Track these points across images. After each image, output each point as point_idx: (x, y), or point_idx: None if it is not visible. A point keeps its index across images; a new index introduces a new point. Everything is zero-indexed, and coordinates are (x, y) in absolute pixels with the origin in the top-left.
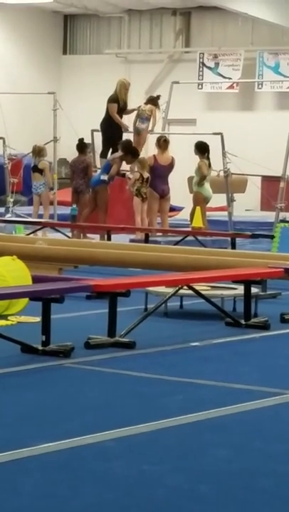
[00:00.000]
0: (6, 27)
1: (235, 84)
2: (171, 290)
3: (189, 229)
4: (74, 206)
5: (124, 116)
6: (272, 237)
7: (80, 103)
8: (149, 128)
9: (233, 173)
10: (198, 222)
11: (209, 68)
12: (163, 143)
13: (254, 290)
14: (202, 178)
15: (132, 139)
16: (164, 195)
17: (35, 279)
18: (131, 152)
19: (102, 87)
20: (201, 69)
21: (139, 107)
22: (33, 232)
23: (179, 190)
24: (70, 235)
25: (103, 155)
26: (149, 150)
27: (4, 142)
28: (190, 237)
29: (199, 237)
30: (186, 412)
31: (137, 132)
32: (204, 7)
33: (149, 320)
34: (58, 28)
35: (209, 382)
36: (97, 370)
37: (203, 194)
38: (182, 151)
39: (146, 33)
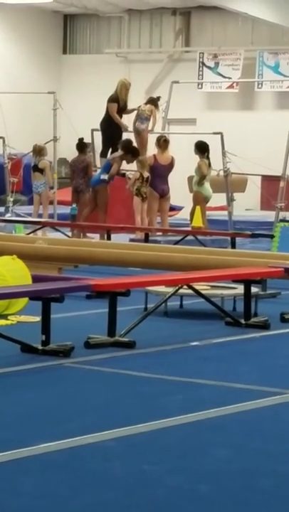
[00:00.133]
0: (6, 27)
1: (235, 84)
2: (171, 290)
3: (189, 228)
4: (74, 206)
5: (124, 116)
6: (272, 236)
7: (80, 103)
8: (149, 128)
9: (233, 173)
10: (198, 222)
11: (209, 68)
12: (163, 143)
13: (254, 289)
14: (202, 178)
15: (132, 139)
16: (163, 194)
17: (35, 279)
18: (131, 151)
19: (102, 86)
20: (200, 68)
21: (139, 106)
22: (33, 232)
23: (178, 190)
24: (70, 234)
25: (103, 154)
26: (149, 150)
27: (4, 142)
28: (190, 237)
29: (199, 237)
30: (186, 412)
31: (137, 132)
32: (204, 7)
33: (148, 319)
34: (57, 27)
35: (209, 381)
36: (97, 370)
37: (203, 194)
38: (182, 150)
39: (146, 32)
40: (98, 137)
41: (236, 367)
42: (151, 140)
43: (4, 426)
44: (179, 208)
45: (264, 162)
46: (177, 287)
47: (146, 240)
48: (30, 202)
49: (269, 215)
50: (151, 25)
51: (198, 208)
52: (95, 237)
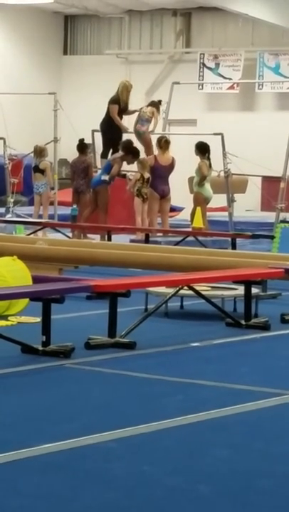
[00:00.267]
0: (7, 27)
1: (235, 85)
2: (171, 290)
3: (190, 229)
4: (74, 206)
5: (124, 118)
6: (272, 237)
7: (81, 103)
8: (150, 128)
9: (233, 174)
10: (198, 223)
11: (210, 69)
12: (164, 143)
13: (254, 290)
14: (202, 179)
15: (133, 140)
16: (164, 195)
17: (36, 280)
18: (131, 152)
19: (102, 87)
20: (201, 69)
21: (141, 108)
22: (33, 233)
23: (179, 191)
24: (70, 235)
25: (104, 155)
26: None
27: (5, 142)
28: (190, 238)
29: (200, 238)
30: (187, 413)
31: (138, 134)
32: (205, 8)
33: (149, 320)
34: (58, 28)
35: (209, 382)
36: (98, 371)
37: (204, 194)
38: (183, 151)
39: (147, 33)
40: (99, 138)
41: (237, 368)
42: (152, 141)
43: (5, 426)
44: (180, 209)
45: (264, 163)
46: (178, 288)
47: (147, 240)
48: (31, 203)
49: (269, 216)
50: (151, 26)
51: (198, 208)
52: (95, 238)
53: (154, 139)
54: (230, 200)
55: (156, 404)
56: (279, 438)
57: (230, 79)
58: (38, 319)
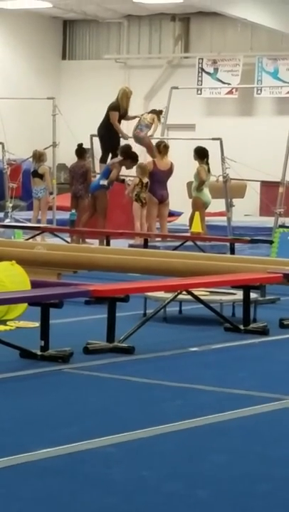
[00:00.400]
0: (5, 32)
1: (234, 90)
2: (170, 295)
3: (188, 234)
4: (73, 211)
5: (123, 123)
6: (271, 242)
7: (80, 108)
8: (149, 133)
9: (232, 179)
10: (197, 228)
11: (208, 73)
12: (163, 148)
13: (253, 295)
14: (201, 183)
15: (132, 145)
16: (163, 200)
17: (34, 284)
18: (130, 157)
19: (101, 92)
20: (200, 74)
21: (142, 115)
22: (32, 237)
23: (178, 196)
24: (69, 240)
25: (103, 160)
26: (148, 155)
27: (3, 147)
28: (189, 243)
29: (198, 242)
30: (185, 418)
31: (137, 139)
32: (203, 12)
33: (148, 325)
34: (57, 33)
35: (208, 387)
36: (96, 376)
37: (202, 199)
38: (181, 156)
39: (146, 38)
40: (97, 143)
41: (235, 373)
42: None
43: (3, 431)
44: (178, 214)
45: (263, 168)
46: (176, 293)
47: (146, 245)
48: (30, 207)
49: (268, 221)
50: (150, 31)
51: (197, 213)
52: (94, 243)
53: (153, 143)
54: (229, 205)
55: (155, 409)
56: (277, 442)
57: (228, 84)
58: (37, 324)
